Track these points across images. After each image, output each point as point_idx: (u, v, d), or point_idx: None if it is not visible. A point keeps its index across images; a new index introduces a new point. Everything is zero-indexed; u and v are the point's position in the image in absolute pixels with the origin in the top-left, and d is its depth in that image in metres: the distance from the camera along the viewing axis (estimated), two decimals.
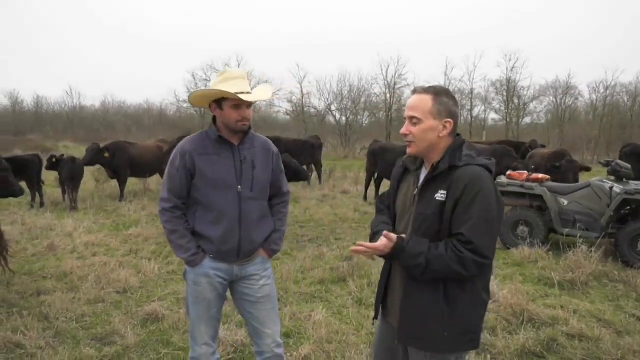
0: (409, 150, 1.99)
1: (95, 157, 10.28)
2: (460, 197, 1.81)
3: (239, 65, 32.34)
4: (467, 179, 1.81)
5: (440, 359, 1.93)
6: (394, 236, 1.86)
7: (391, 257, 1.91)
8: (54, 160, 9.87)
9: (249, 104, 2.44)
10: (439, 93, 1.92)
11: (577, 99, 32.34)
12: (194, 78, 34.83)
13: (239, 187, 2.47)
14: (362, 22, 67.22)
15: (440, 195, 1.85)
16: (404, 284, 1.96)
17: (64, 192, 10.06)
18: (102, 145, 10.82)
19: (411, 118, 1.93)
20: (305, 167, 13.63)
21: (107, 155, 10.29)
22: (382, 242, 1.88)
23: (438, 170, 1.89)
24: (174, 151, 2.53)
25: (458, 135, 1.98)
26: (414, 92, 1.98)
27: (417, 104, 1.92)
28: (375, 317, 2.23)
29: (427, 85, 2.01)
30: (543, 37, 57.76)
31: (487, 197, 1.80)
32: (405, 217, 2.02)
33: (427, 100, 1.91)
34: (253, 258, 2.60)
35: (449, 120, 1.92)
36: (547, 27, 59.78)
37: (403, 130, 1.96)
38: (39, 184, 9.80)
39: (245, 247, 2.52)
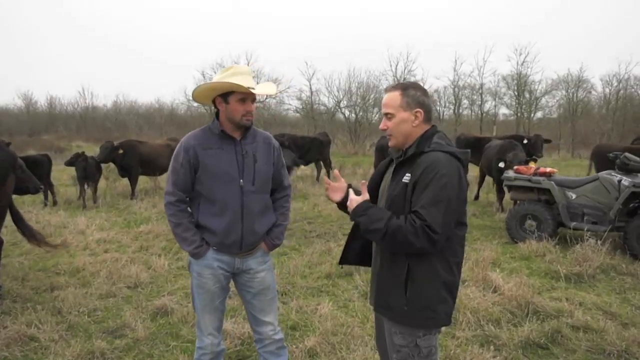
0: (390, 144, 2.18)
1: (109, 154, 10.42)
2: (418, 179, 1.95)
3: (248, 63, 32.42)
4: (427, 163, 1.96)
5: (409, 334, 2.06)
6: (367, 195, 2.13)
7: (354, 214, 2.07)
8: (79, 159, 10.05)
9: (253, 99, 2.51)
10: (407, 87, 2.11)
11: (589, 92, 31.90)
12: (204, 77, 35.01)
13: (241, 180, 2.53)
14: (371, 18, 66.90)
15: (405, 178, 2.01)
16: (380, 259, 2.15)
17: (81, 190, 10.12)
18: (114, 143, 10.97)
19: (386, 114, 2.12)
20: (313, 163, 13.72)
21: (120, 152, 10.45)
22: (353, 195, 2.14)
23: (406, 155, 2.06)
24: (178, 146, 2.59)
25: (433, 125, 2.14)
26: (386, 90, 2.18)
27: (388, 100, 2.11)
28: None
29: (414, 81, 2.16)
30: (555, 30, 57.08)
31: (441, 180, 1.91)
32: (382, 200, 2.18)
33: (396, 95, 2.09)
34: (254, 251, 2.66)
35: (419, 110, 2.08)
36: (559, 20, 59.10)
37: (381, 126, 2.16)
38: (49, 183, 9.97)
39: (247, 239, 2.58)
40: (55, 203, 9.94)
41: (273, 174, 2.70)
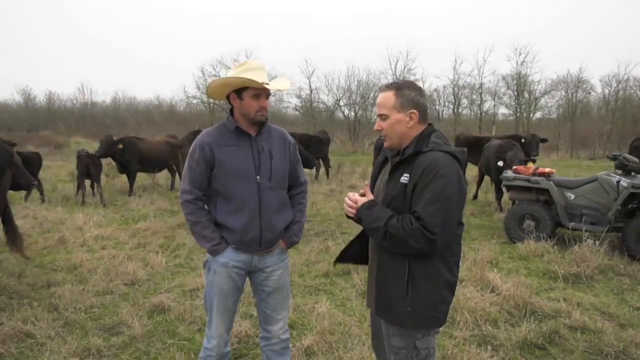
0: (385, 144, 2.15)
1: (109, 149, 10.35)
2: (418, 180, 1.93)
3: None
4: (426, 163, 1.94)
5: (407, 335, 2.05)
6: (371, 196, 2.11)
7: (359, 213, 2.05)
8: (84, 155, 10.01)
9: (267, 95, 2.50)
10: (401, 87, 2.07)
11: (589, 93, 31.91)
12: (203, 74, 34.94)
13: (258, 177, 2.51)
14: (371, 18, 66.80)
15: (404, 178, 1.99)
16: (378, 260, 2.12)
17: (80, 186, 10.12)
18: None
19: (380, 115, 2.09)
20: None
21: (120, 146, 10.40)
22: (359, 194, 2.13)
23: (404, 155, 2.03)
24: (194, 144, 2.57)
25: (430, 124, 2.11)
26: (380, 89, 2.15)
27: (382, 101, 2.08)
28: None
29: (395, 80, 2.19)
30: (556, 31, 57.07)
31: (441, 180, 1.89)
32: (379, 198, 2.15)
33: (390, 96, 2.06)
34: (273, 249, 2.64)
35: (414, 111, 2.05)
36: (560, 21, 59.09)
37: (376, 127, 2.13)
38: (38, 180, 9.90)
39: (266, 235, 2.55)
40: (43, 200, 9.73)
41: (289, 169, 2.68)
